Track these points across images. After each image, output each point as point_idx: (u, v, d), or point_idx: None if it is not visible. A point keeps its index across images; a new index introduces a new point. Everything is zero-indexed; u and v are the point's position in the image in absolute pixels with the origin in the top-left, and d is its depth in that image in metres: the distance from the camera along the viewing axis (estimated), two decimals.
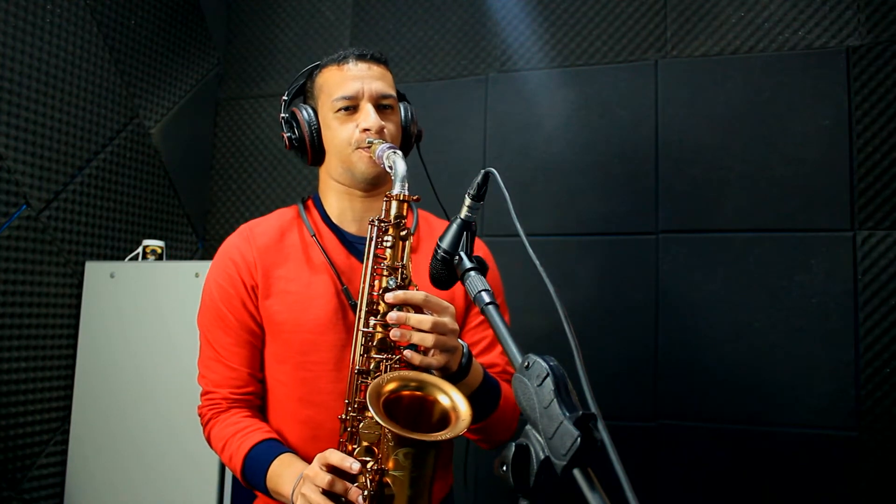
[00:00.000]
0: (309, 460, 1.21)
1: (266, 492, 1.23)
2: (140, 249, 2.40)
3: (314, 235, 1.34)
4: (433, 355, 1.10)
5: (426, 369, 1.13)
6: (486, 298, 0.93)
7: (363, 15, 2.81)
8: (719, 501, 2.17)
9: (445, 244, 1.02)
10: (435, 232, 1.42)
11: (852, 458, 2.04)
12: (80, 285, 2.34)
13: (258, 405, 1.36)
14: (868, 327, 2.08)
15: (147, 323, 2.22)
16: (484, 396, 1.22)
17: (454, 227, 1.03)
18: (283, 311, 1.30)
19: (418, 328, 1.08)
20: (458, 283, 1.05)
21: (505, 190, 0.97)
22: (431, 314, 1.11)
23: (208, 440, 1.34)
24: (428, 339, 1.08)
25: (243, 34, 3.01)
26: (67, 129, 2.32)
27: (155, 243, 2.41)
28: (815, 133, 2.18)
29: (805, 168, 2.18)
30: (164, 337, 2.18)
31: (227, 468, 2.06)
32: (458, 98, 2.62)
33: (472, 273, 0.98)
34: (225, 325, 1.32)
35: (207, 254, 2.93)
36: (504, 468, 0.74)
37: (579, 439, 0.67)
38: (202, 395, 1.35)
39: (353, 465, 1.06)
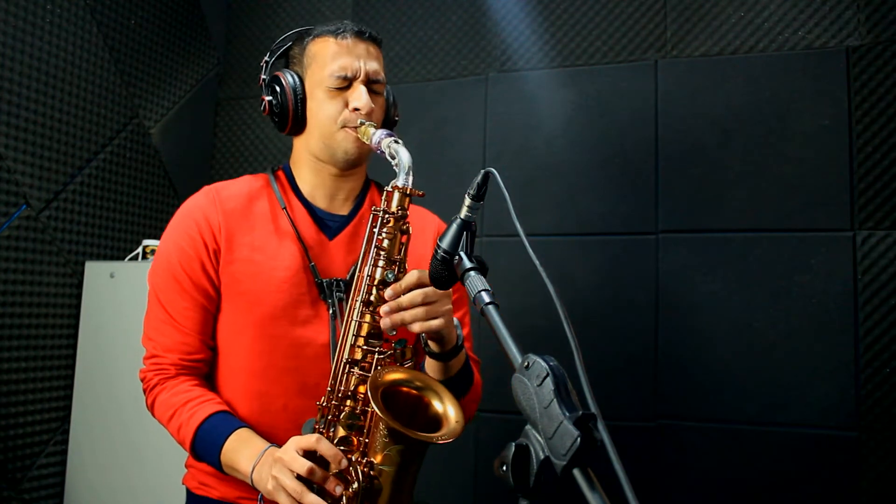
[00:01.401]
0: (259, 434, 1.19)
1: (219, 467, 1.18)
2: (140, 249, 2.40)
3: (284, 208, 1.30)
4: (430, 321, 1.11)
5: (415, 349, 1.15)
6: (486, 298, 0.93)
7: (363, 15, 2.81)
8: (719, 501, 2.17)
9: (445, 244, 1.02)
10: (421, 219, 1.40)
11: (852, 458, 2.04)
12: (80, 285, 2.34)
13: (206, 374, 1.30)
14: (868, 327, 2.08)
15: None
16: (467, 375, 1.25)
17: (454, 227, 1.03)
18: (246, 280, 1.25)
19: (410, 305, 1.09)
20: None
21: (505, 190, 0.96)
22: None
23: (150, 408, 1.28)
24: (420, 313, 1.09)
25: (243, 34, 3.01)
26: (67, 129, 2.32)
27: (155, 243, 2.41)
28: (815, 133, 2.18)
29: (805, 168, 2.18)
30: None
31: None
32: (458, 98, 2.62)
33: (472, 273, 0.98)
34: (181, 287, 1.25)
35: None
36: (504, 468, 0.74)
37: (579, 439, 0.67)
38: (147, 358, 1.28)
39: (342, 462, 1.05)
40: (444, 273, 1.03)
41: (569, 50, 2.51)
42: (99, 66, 2.44)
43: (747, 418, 2.16)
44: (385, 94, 1.35)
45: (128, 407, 2.19)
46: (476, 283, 0.96)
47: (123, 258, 2.48)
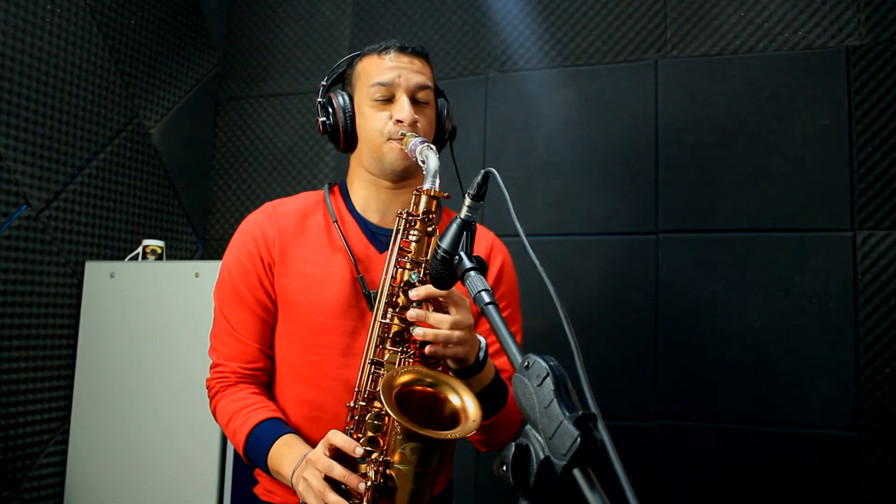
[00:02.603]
0: (308, 442, 1.23)
1: (267, 470, 1.23)
2: (140, 249, 2.40)
3: (335, 221, 1.34)
4: (449, 348, 1.12)
5: (439, 363, 1.14)
6: (486, 298, 0.93)
7: (363, 15, 2.81)
8: (719, 501, 2.16)
9: (445, 244, 1.02)
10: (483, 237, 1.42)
11: (852, 458, 2.04)
12: (80, 285, 2.34)
13: (266, 382, 1.36)
14: (868, 327, 2.08)
15: (147, 323, 2.22)
16: (494, 394, 1.23)
17: (454, 227, 1.03)
18: (298, 292, 1.31)
19: (437, 326, 1.10)
20: None
21: (505, 190, 0.96)
22: (449, 307, 1.13)
23: (214, 413, 1.34)
24: (445, 336, 1.10)
25: (243, 34, 3.01)
26: (67, 129, 2.32)
27: (155, 243, 2.41)
28: (815, 133, 2.18)
29: (805, 168, 2.18)
30: (164, 337, 2.18)
31: (226, 471, 2.06)
32: (458, 98, 2.59)
33: (472, 273, 0.98)
34: (240, 299, 1.32)
35: (207, 254, 2.93)
36: (504, 468, 0.74)
37: (579, 439, 0.67)
38: (212, 367, 1.35)
39: (356, 449, 1.06)
40: (444, 273, 1.03)
41: (569, 50, 2.51)
42: (99, 66, 2.44)
43: (747, 418, 2.16)
44: (438, 105, 1.39)
45: (128, 407, 2.19)
46: (476, 283, 0.96)
47: (123, 258, 2.48)
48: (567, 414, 0.70)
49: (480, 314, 1.37)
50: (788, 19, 2.25)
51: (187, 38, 2.84)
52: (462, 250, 1.01)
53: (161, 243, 2.41)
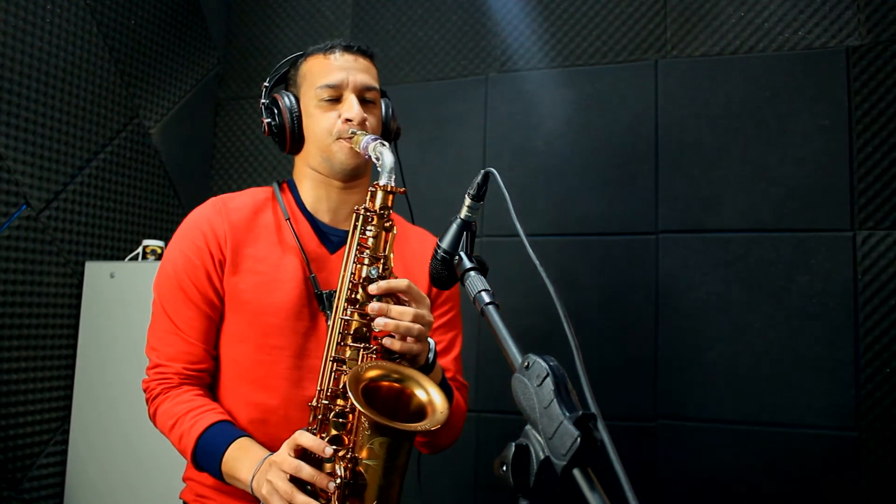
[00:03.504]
0: (260, 444, 1.20)
1: (220, 476, 1.19)
2: (140, 249, 2.40)
3: (288, 219, 1.32)
4: (407, 342, 1.12)
5: (402, 358, 1.14)
6: (486, 298, 0.93)
7: (363, 15, 2.81)
8: (719, 501, 2.16)
9: (445, 244, 1.02)
10: (405, 233, 1.41)
11: (852, 458, 2.04)
12: (80, 285, 2.34)
13: (209, 384, 1.32)
14: (868, 327, 2.08)
15: (147, 323, 2.21)
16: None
17: (454, 227, 1.03)
18: (249, 291, 1.27)
19: (399, 319, 1.10)
20: (427, 281, 1.08)
21: (505, 190, 0.96)
22: (410, 303, 1.13)
23: (153, 417, 1.29)
24: (405, 328, 1.10)
25: (243, 34, 3.01)
26: (67, 129, 2.32)
27: (155, 243, 2.41)
28: (815, 133, 2.18)
29: (805, 168, 2.18)
30: None
31: None
32: (458, 98, 2.62)
33: (472, 273, 0.98)
34: (186, 296, 1.27)
35: None
36: (504, 468, 0.74)
37: (579, 439, 0.67)
38: (150, 368, 1.30)
39: (326, 450, 1.05)
40: (444, 273, 1.03)
41: (569, 50, 2.51)
42: (99, 66, 2.44)
43: (747, 418, 2.16)
44: (383, 105, 1.38)
45: (128, 407, 2.19)
46: (476, 283, 0.96)
47: (123, 258, 2.48)
48: (567, 414, 0.70)
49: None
50: (788, 19, 2.25)
51: (187, 38, 2.84)
52: (462, 250, 1.02)
53: (161, 243, 2.41)
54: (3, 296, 2.11)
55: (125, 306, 2.25)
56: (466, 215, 1.03)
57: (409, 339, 1.12)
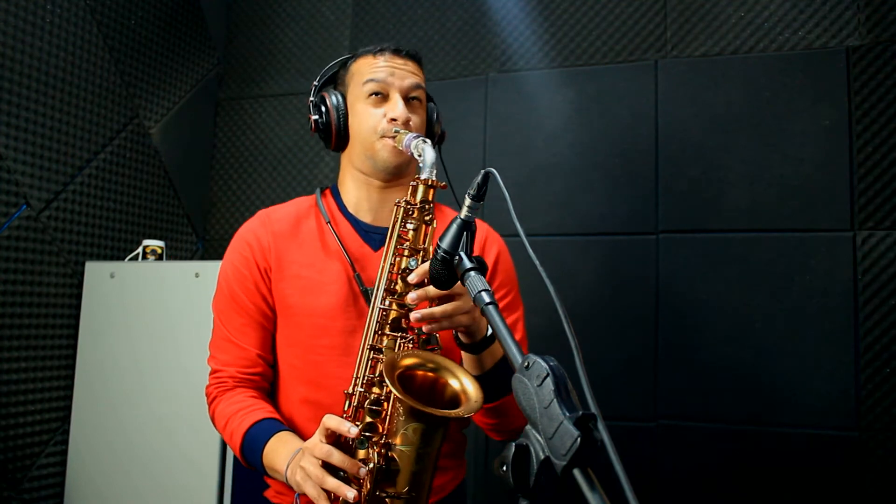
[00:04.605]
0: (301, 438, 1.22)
1: (263, 469, 1.23)
2: (140, 249, 2.40)
3: (329, 222, 1.35)
4: (449, 321, 1.12)
5: (439, 348, 1.15)
6: (486, 298, 0.93)
7: (363, 15, 2.81)
8: (719, 501, 2.17)
9: (445, 244, 1.02)
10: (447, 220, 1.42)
11: (852, 458, 2.04)
12: (80, 285, 2.34)
13: (265, 388, 1.37)
14: (868, 327, 2.08)
15: (147, 323, 2.22)
16: (506, 370, 1.24)
17: (454, 227, 1.03)
18: (295, 295, 1.32)
19: (441, 316, 1.10)
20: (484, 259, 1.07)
21: (505, 190, 0.96)
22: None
23: (212, 419, 1.35)
24: (441, 312, 1.10)
25: (243, 34, 3.01)
26: (67, 129, 2.32)
27: (155, 243, 2.41)
28: (815, 133, 2.18)
29: (805, 168, 2.18)
30: (164, 337, 2.18)
31: (226, 471, 2.06)
32: (458, 98, 2.62)
33: (472, 273, 0.98)
34: (238, 306, 1.34)
35: (207, 254, 2.93)
36: (504, 468, 0.74)
37: (579, 439, 0.67)
38: (210, 374, 1.36)
39: (350, 429, 1.06)
40: (444, 273, 1.03)
41: (569, 50, 2.51)
42: (99, 66, 2.43)
43: (747, 418, 2.16)
44: (428, 108, 1.42)
45: (128, 406, 2.19)
46: (476, 283, 0.96)
47: (123, 258, 2.48)
48: (567, 414, 0.70)
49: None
50: (788, 19, 2.25)
51: (187, 39, 2.84)
52: (462, 250, 1.01)
53: (161, 243, 2.41)
54: (3, 296, 2.11)
55: (125, 306, 2.25)
56: (466, 215, 1.03)
57: (450, 319, 1.12)
